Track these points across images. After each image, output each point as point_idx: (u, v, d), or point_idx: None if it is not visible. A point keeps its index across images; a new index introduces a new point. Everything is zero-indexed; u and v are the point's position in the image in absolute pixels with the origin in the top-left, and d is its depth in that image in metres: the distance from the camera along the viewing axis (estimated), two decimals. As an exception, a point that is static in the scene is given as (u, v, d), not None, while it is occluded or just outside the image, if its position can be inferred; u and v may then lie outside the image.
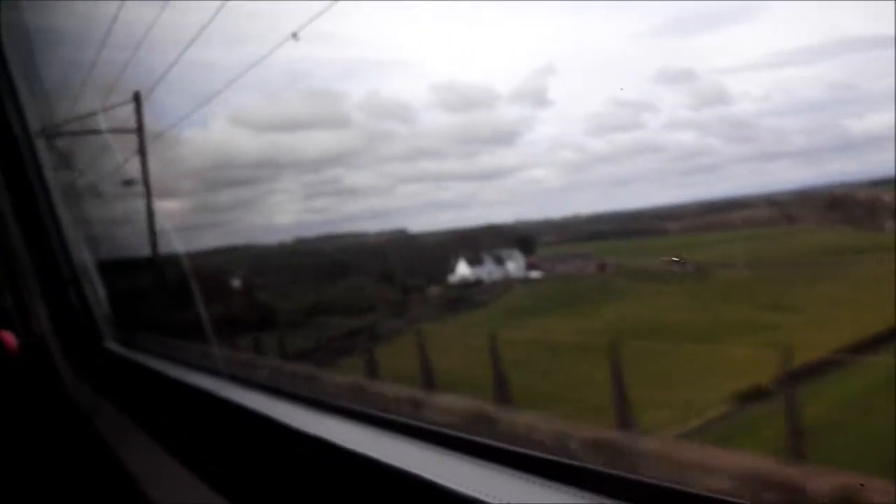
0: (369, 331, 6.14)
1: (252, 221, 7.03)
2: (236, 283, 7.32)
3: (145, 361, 3.20)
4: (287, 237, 7.44)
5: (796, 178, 6.55)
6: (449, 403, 3.80)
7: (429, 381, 4.56)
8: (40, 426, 3.28)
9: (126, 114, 4.39)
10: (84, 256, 4.35)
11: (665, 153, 6.88)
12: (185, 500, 1.79)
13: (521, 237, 6.94)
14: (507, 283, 6.53)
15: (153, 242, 4.39)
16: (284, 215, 7.38)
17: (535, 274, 6.56)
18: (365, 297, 6.53)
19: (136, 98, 4.34)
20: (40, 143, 4.10)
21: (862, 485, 2.67)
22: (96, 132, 4.45)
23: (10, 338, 3.60)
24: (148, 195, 4.34)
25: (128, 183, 4.53)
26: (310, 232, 7.37)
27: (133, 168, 4.59)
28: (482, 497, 0.92)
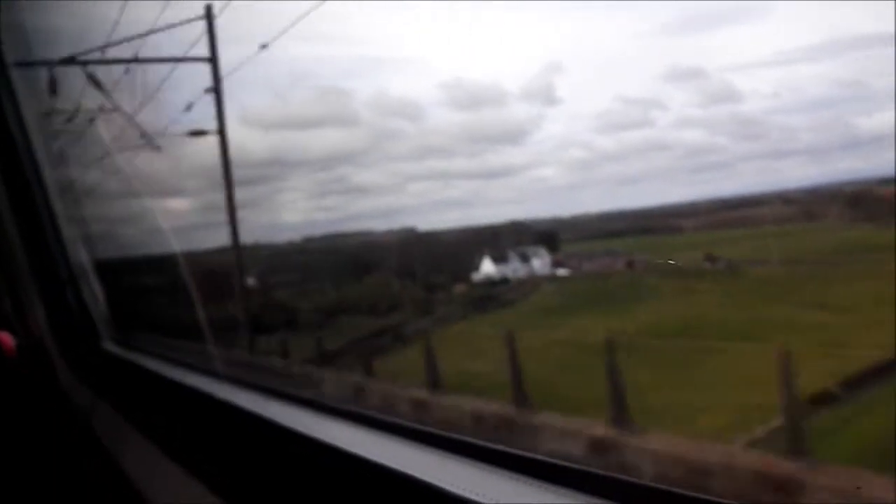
0: (395, 331, 5.96)
1: (260, 220, 6.87)
2: (251, 281, 7.10)
3: (142, 362, 3.12)
4: (296, 235, 7.29)
5: (805, 176, 6.59)
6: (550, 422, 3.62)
7: (519, 391, 4.32)
8: (37, 426, 3.24)
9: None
10: (81, 256, 4.18)
11: (673, 151, 6.87)
12: (182, 500, 1.77)
13: (545, 234, 6.82)
14: (535, 281, 6.41)
15: (236, 233, 4.10)
16: (293, 213, 7.25)
17: (562, 271, 6.45)
18: (388, 295, 6.35)
19: (208, 14, 3.90)
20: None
21: (858, 488, 2.62)
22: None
23: (7, 339, 3.47)
24: (224, 148, 4.02)
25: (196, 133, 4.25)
26: (318, 230, 7.26)
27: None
28: (474, 497, 0.92)
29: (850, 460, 3.07)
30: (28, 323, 3.98)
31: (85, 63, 3.75)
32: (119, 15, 3.44)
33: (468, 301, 6.25)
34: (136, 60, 3.64)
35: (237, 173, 6.79)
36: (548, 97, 7.03)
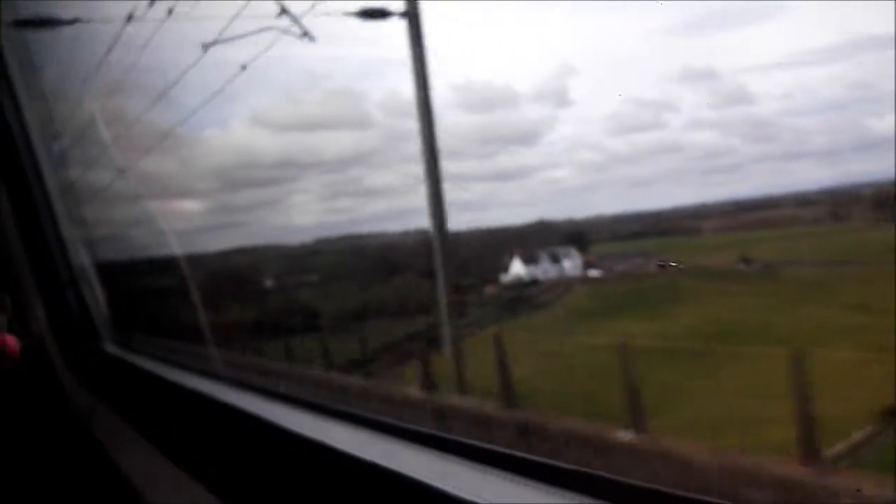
0: (429, 335, 5.81)
1: (273, 221, 6.75)
2: (269, 283, 6.91)
3: (142, 364, 3.17)
4: (308, 237, 7.20)
5: (817, 178, 6.60)
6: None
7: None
8: (37, 427, 3.28)
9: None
10: (82, 259, 4.22)
11: (685, 153, 6.88)
12: (180, 502, 1.79)
13: (573, 234, 6.72)
14: (566, 283, 6.31)
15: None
16: (305, 215, 7.17)
17: (593, 273, 6.35)
18: (416, 297, 6.20)
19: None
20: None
21: (858, 490, 2.58)
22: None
23: (11, 340, 3.52)
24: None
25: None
26: (330, 232, 7.20)
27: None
28: (473, 498, 0.93)
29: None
30: (30, 324, 4.02)
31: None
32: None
33: (500, 303, 6.13)
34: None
35: (249, 175, 6.63)
36: (560, 99, 6.97)
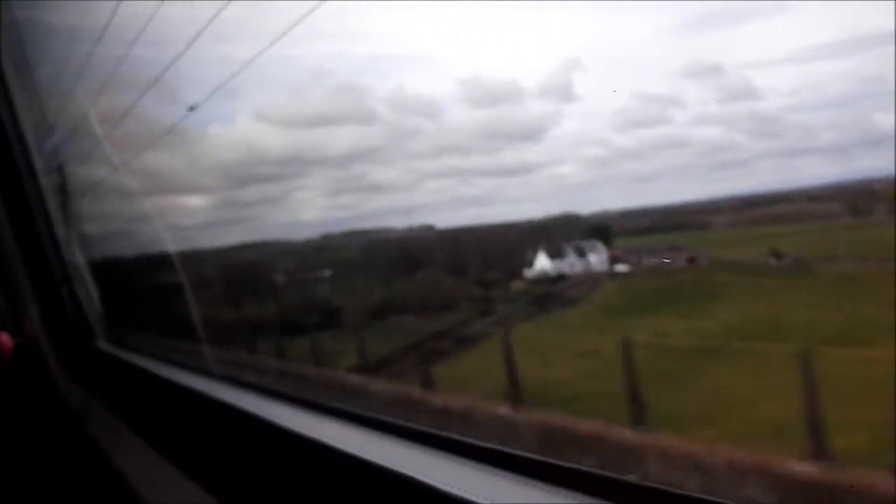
0: (456, 333, 5.59)
1: (277, 218, 6.55)
2: (280, 279, 6.62)
3: (136, 361, 3.18)
4: (313, 233, 7.02)
5: (824, 174, 6.60)
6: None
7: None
8: (32, 425, 3.31)
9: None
10: (77, 257, 4.26)
11: (691, 148, 6.83)
12: (176, 500, 1.80)
13: (598, 227, 6.55)
14: (594, 278, 6.13)
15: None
16: (310, 211, 7.00)
17: (620, 267, 6.19)
18: (439, 293, 5.96)
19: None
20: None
21: (852, 486, 2.53)
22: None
23: (5, 338, 3.53)
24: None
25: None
26: (335, 228, 7.03)
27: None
28: (473, 497, 0.93)
29: None
30: (23, 322, 4.04)
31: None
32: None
33: (529, 299, 5.92)
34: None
35: (254, 171, 6.45)
36: (565, 94, 6.83)
